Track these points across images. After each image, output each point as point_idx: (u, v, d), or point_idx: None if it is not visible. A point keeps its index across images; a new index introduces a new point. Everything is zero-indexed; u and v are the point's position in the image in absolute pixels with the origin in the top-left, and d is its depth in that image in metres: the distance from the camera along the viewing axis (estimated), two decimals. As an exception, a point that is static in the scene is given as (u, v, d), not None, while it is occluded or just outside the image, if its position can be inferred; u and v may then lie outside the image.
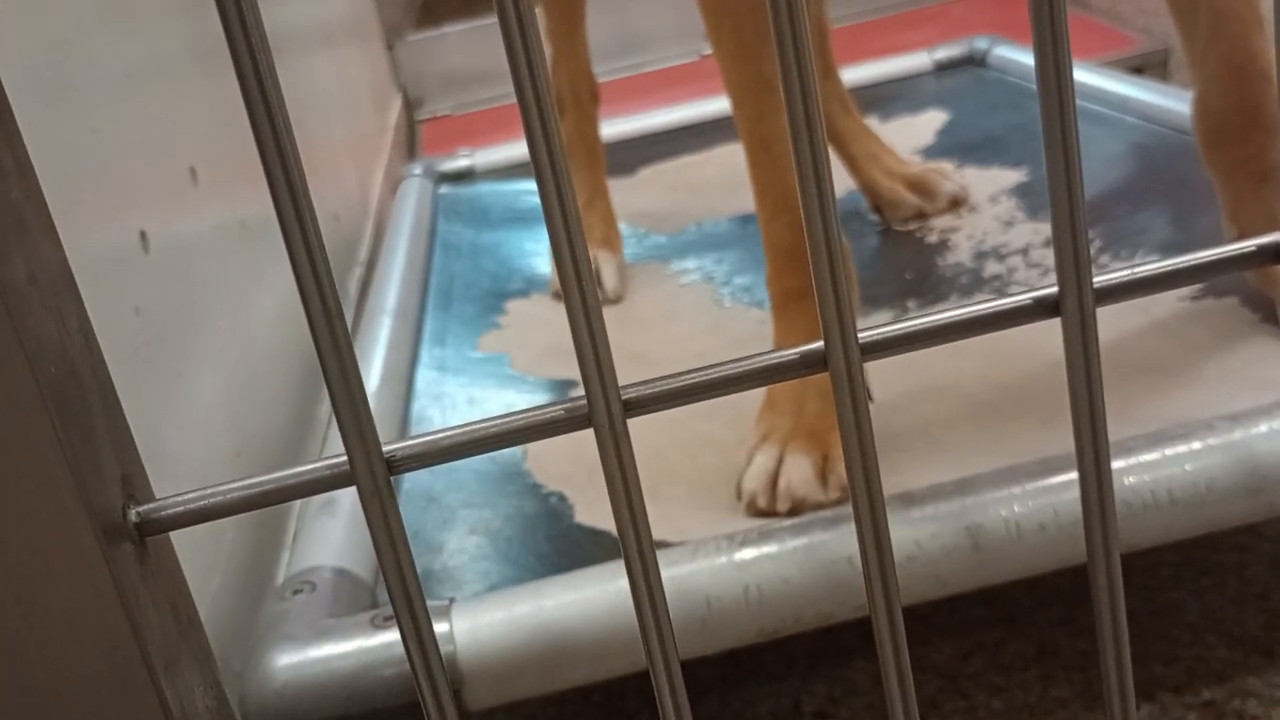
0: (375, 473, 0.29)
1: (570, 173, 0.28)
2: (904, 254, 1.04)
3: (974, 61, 1.52)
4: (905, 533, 0.56)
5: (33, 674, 0.29)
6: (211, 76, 0.80)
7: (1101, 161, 1.09)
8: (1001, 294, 0.30)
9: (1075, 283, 0.29)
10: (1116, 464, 0.56)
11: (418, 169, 1.51)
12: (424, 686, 0.31)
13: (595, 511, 0.71)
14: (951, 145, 1.27)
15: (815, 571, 0.55)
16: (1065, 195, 0.28)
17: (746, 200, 0.78)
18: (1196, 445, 0.57)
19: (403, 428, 0.86)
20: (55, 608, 0.28)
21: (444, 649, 0.54)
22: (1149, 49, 1.63)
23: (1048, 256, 0.95)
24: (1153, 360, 0.75)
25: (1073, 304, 0.30)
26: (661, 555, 0.55)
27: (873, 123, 1.23)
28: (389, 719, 0.54)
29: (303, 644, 0.56)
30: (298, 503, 0.74)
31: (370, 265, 1.26)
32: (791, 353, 0.30)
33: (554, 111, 0.27)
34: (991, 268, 0.97)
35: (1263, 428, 0.57)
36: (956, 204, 1.10)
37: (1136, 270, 0.30)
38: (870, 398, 0.76)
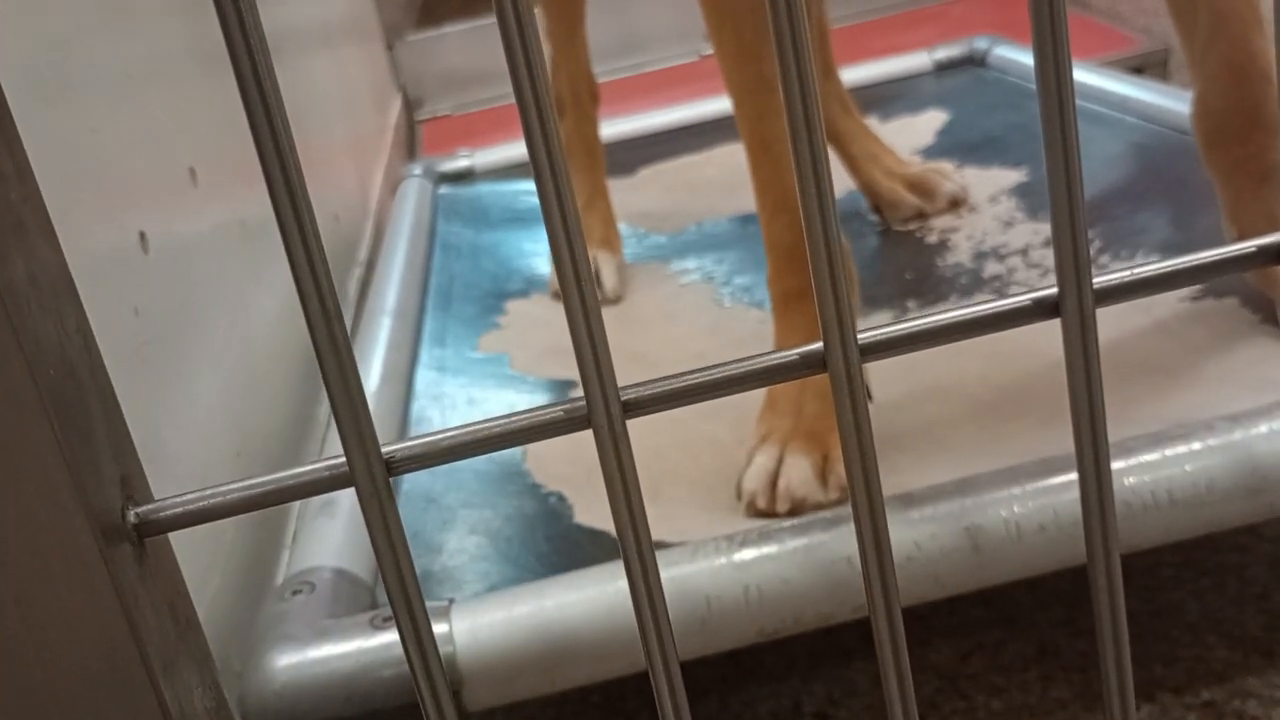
0: (374, 474, 0.29)
1: (570, 173, 0.28)
2: (904, 254, 1.04)
3: (974, 61, 1.52)
4: (905, 533, 0.56)
5: (31, 675, 0.29)
6: (211, 77, 0.80)
7: (1101, 161, 1.09)
8: (1001, 294, 0.30)
9: (1075, 283, 0.29)
10: (1116, 464, 0.56)
11: (417, 169, 1.51)
12: (423, 687, 0.31)
13: (595, 512, 0.71)
14: (951, 145, 1.27)
15: (815, 572, 0.55)
16: (1065, 196, 0.28)
17: (746, 200, 0.78)
18: (1196, 446, 0.57)
19: (402, 428, 0.86)
20: (54, 609, 0.28)
21: (443, 650, 0.54)
22: (1149, 49, 1.63)
23: (1047, 257, 0.95)
24: (1153, 361, 0.75)
25: (1072, 305, 0.30)
26: (661, 556, 0.55)
27: (873, 123, 1.23)
28: (388, 719, 0.54)
29: (302, 644, 0.56)
30: (297, 503, 0.74)
31: (370, 265, 1.26)
32: (791, 353, 0.30)
33: (553, 112, 0.27)
34: (991, 268, 0.97)
35: (1263, 428, 0.57)
36: (956, 204, 1.10)
37: (1136, 271, 0.30)
38: (870, 398, 0.76)
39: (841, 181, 1.12)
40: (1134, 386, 0.72)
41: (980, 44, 1.51)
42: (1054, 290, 0.30)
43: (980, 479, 0.58)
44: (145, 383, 0.58)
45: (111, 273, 0.57)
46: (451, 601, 0.57)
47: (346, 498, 0.69)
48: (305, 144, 1.08)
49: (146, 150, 0.66)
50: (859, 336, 0.30)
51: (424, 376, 0.95)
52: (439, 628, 0.55)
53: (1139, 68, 1.59)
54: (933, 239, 1.06)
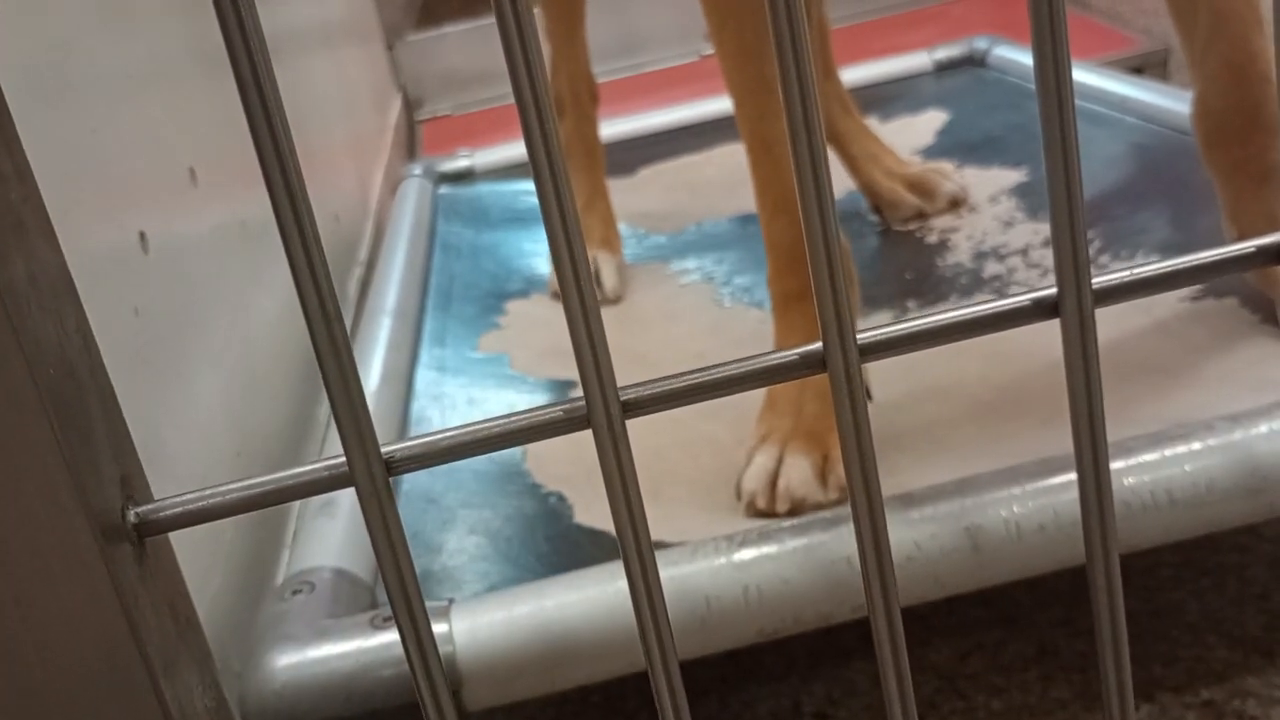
0: (374, 474, 0.29)
1: (569, 173, 0.28)
2: (904, 254, 1.04)
3: (974, 61, 1.52)
4: (904, 533, 0.56)
5: (31, 674, 0.29)
6: (211, 77, 0.80)
7: (1101, 161, 1.09)
8: (1001, 294, 0.30)
9: (1074, 284, 0.29)
10: (1116, 464, 0.56)
11: (417, 169, 1.51)
12: (423, 687, 0.31)
13: (594, 512, 0.71)
14: (951, 145, 1.27)
15: (814, 572, 0.55)
16: (1064, 196, 0.28)
17: (746, 200, 0.78)
18: (1196, 446, 0.57)
19: (402, 428, 0.86)
20: (54, 608, 0.28)
21: (443, 649, 0.54)
22: (1149, 49, 1.63)
23: (1047, 257, 0.95)
24: (1153, 361, 0.75)
25: (1071, 305, 0.30)
26: (661, 556, 0.55)
27: (873, 123, 1.23)
28: (388, 719, 0.54)
29: (302, 644, 0.56)
30: (297, 503, 0.74)
31: (370, 265, 1.26)
32: (790, 353, 0.30)
33: (552, 113, 0.27)
34: (991, 268, 0.97)
35: (1262, 428, 0.57)
36: (956, 204, 1.10)
37: (1136, 271, 0.30)
38: (870, 398, 0.76)
39: (841, 182, 1.12)
40: (1134, 386, 0.72)
41: (980, 44, 1.52)
42: (1053, 290, 0.30)
43: (980, 479, 0.58)
44: (145, 383, 0.58)
45: (111, 273, 0.57)
46: (451, 601, 0.57)
47: (346, 498, 0.69)
48: (305, 144, 1.08)
49: (146, 150, 0.66)
50: (858, 336, 0.30)
51: (424, 376, 0.95)
52: (439, 627, 0.55)
53: (1139, 68, 1.59)
54: (933, 239, 1.06)
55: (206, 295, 0.71)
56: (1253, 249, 0.31)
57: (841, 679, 0.67)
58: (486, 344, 1.01)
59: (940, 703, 0.64)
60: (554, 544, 0.69)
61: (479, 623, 0.55)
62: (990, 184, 1.14)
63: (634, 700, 0.69)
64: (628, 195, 1.29)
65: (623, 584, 0.49)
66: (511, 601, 0.56)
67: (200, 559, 0.60)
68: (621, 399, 0.29)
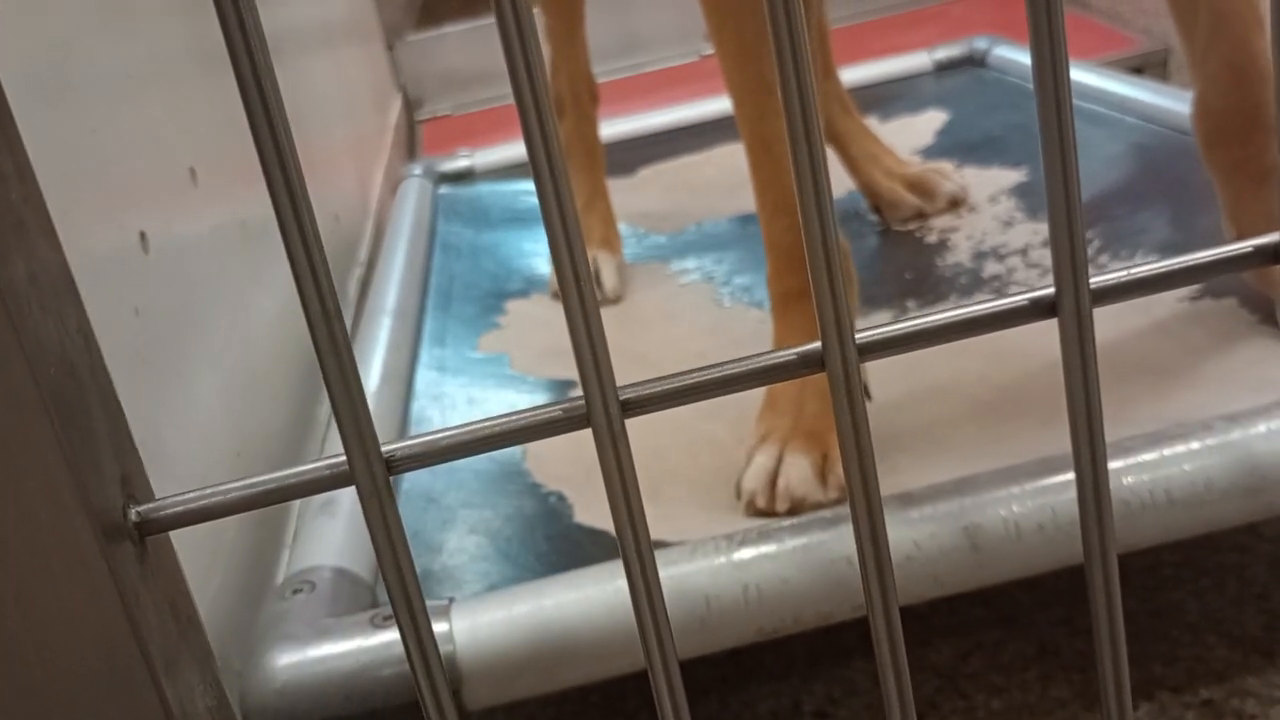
0: (374, 472, 0.29)
1: (569, 173, 0.28)
2: (903, 254, 1.04)
3: (974, 61, 1.52)
4: (903, 533, 0.56)
5: (32, 673, 0.29)
6: (211, 77, 0.80)
7: (1101, 162, 1.09)
8: (1000, 294, 0.30)
9: (1072, 283, 0.29)
10: (1115, 464, 0.56)
11: (417, 169, 1.51)
12: (423, 686, 0.31)
13: (594, 511, 0.72)
14: (951, 145, 1.27)
15: (814, 571, 0.55)
16: (1062, 195, 0.29)
17: (746, 200, 0.78)
18: (1195, 445, 0.57)
19: (402, 428, 0.86)
20: (55, 607, 0.28)
21: (443, 649, 0.54)
22: (1149, 49, 1.63)
23: (1047, 257, 0.95)
24: (1152, 361, 0.75)
25: (1069, 305, 0.30)
26: (660, 555, 0.55)
27: (872, 123, 1.23)
28: (388, 718, 0.54)
29: (302, 643, 0.56)
30: (298, 502, 0.74)
31: (370, 265, 1.26)
32: (789, 353, 0.30)
33: (552, 114, 0.27)
34: (991, 268, 0.97)
35: (1261, 428, 0.57)
36: (956, 204, 1.11)
37: (1133, 271, 0.30)
38: (869, 398, 0.76)
39: (841, 182, 1.12)
40: (1133, 387, 0.72)
41: (980, 44, 1.52)
42: (1051, 290, 0.30)
43: (979, 478, 0.58)
44: (145, 383, 0.58)
45: (112, 273, 0.57)
46: (451, 600, 0.57)
47: (347, 497, 0.69)
48: (305, 144, 1.08)
49: (147, 150, 0.66)
50: (857, 336, 0.30)
51: (424, 376, 0.95)
52: (439, 627, 0.55)
53: (1139, 68, 1.59)
54: (932, 239, 1.06)
55: (207, 295, 0.71)
56: (1250, 249, 0.31)
57: (841, 678, 0.68)
58: (486, 344, 1.02)
59: (940, 702, 0.64)
60: (554, 543, 0.69)
61: (479, 622, 0.55)
62: (990, 184, 1.14)
63: (634, 699, 0.69)
64: (628, 195, 1.29)
65: (622, 583, 0.49)
66: (511, 601, 0.56)
67: (201, 558, 0.60)
68: (621, 398, 0.29)
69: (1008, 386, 0.77)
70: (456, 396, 0.91)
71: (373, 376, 0.90)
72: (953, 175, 1.14)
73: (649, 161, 1.43)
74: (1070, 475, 0.51)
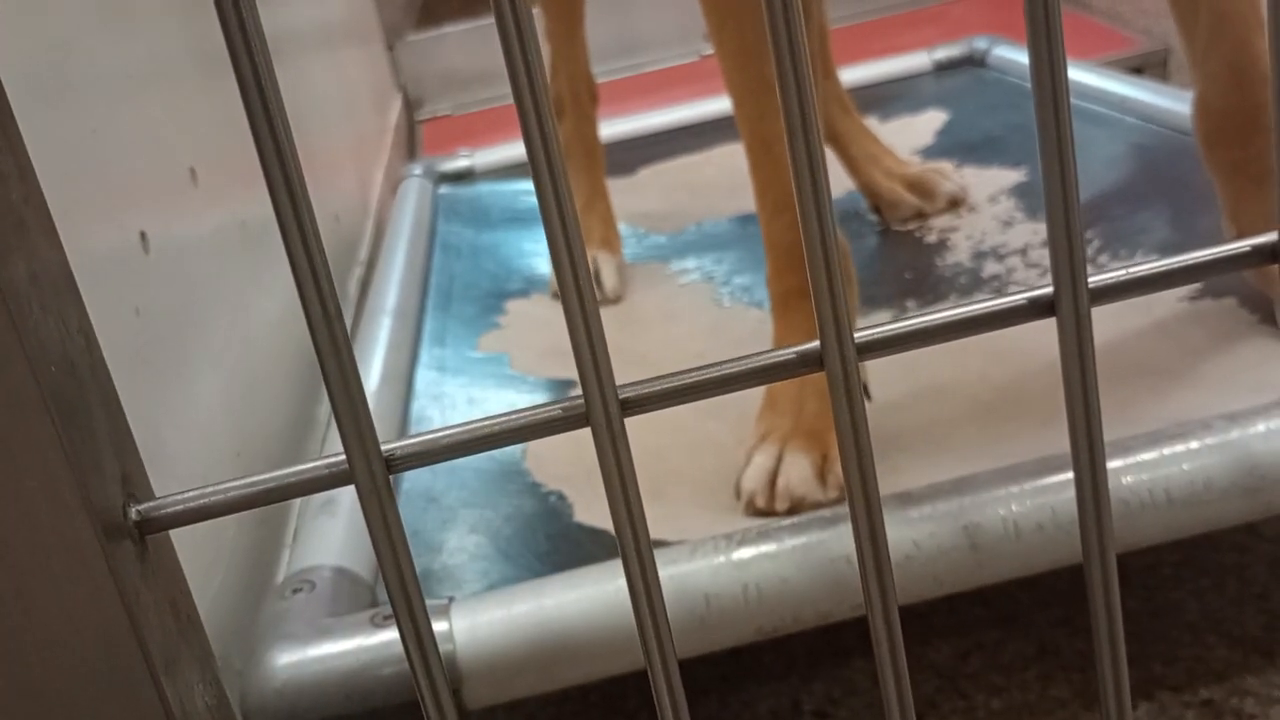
0: (374, 471, 0.29)
1: (569, 174, 0.28)
2: (903, 254, 1.04)
3: (973, 62, 1.52)
4: (903, 532, 0.56)
5: (33, 672, 0.29)
6: (211, 77, 0.80)
7: (1101, 162, 1.09)
8: (1000, 294, 0.30)
9: (1070, 282, 0.30)
10: (1114, 463, 0.56)
11: (418, 169, 1.51)
12: (423, 685, 0.31)
13: (594, 510, 0.72)
14: (951, 145, 1.27)
15: (814, 570, 0.55)
16: (1060, 195, 0.29)
17: (746, 200, 0.78)
18: (1194, 445, 0.57)
19: (402, 427, 0.86)
20: (55, 606, 0.28)
21: (443, 648, 0.54)
22: (1149, 49, 1.63)
23: (1046, 256, 0.95)
24: (1151, 361, 0.75)
25: (1068, 304, 0.30)
26: (660, 554, 0.55)
27: (872, 123, 1.23)
28: (388, 717, 0.54)
29: (302, 642, 0.56)
30: (298, 502, 0.74)
31: (370, 265, 1.26)
32: (788, 352, 0.30)
33: (552, 114, 0.27)
34: (990, 268, 0.97)
35: (1260, 427, 0.57)
36: (955, 204, 1.11)
37: (1132, 270, 0.30)
38: (869, 397, 0.76)
39: (841, 182, 1.12)
40: (1132, 387, 0.72)
41: (980, 44, 1.52)
42: (1049, 289, 0.30)
43: (978, 478, 0.58)
44: (146, 383, 0.58)
45: (112, 273, 0.57)
46: (451, 600, 0.57)
47: (347, 496, 0.69)
48: (305, 144, 1.08)
49: (147, 150, 0.66)
50: (856, 335, 0.30)
51: (424, 376, 0.95)
52: (439, 626, 0.55)
53: (1139, 68, 1.59)
54: (932, 239, 1.06)
55: (207, 295, 0.71)
56: (1248, 248, 0.31)
57: (841, 678, 0.68)
58: (486, 344, 1.02)
59: (940, 701, 0.65)
60: (554, 543, 0.69)
61: (479, 621, 0.55)
62: (990, 184, 1.14)
63: (634, 699, 0.69)
64: (628, 195, 1.29)
65: (622, 583, 0.49)
66: (511, 600, 0.56)
67: (201, 557, 0.60)
68: (620, 397, 0.29)
69: (1007, 386, 0.77)
70: (456, 396, 0.91)
71: (373, 376, 0.90)
72: (952, 175, 1.14)
73: (649, 161, 1.43)
74: (1069, 475, 0.51)
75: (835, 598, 0.55)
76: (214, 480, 0.30)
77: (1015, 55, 1.45)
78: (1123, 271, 0.30)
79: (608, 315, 1.00)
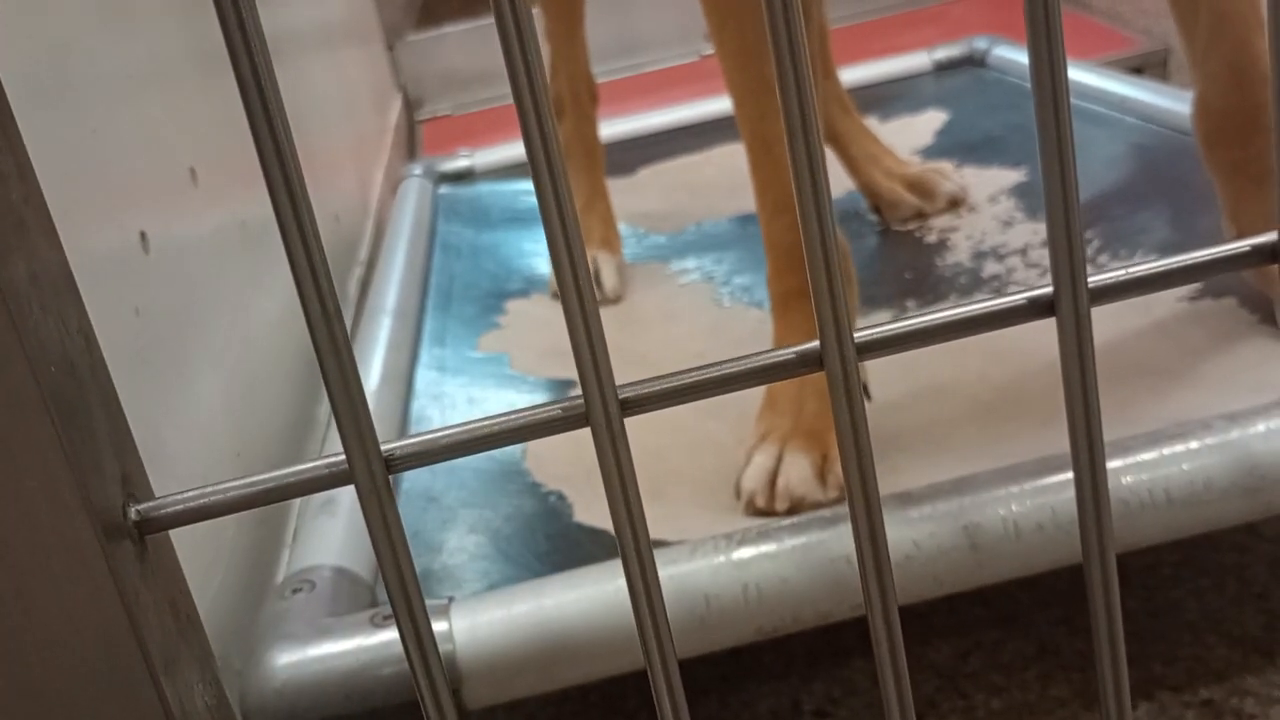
0: (374, 471, 0.29)
1: (569, 174, 0.28)
2: (903, 254, 1.04)
3: (973, 62, 1.52)
4: (903, 532, 0.56)
5: (32, 671, 0.29)
6: (211, 77, 0.80)
7: (1101, 162, 1.09)
8: (1000, 294, 0.30)
9: (1070, 282, 0.30)
10: (1114, 463, 0.56)
11: (418, 169, 1.51)
12: (423, 685, 0.31)
13: (594, 510, 0.72)
14: (951, 145, 1.27)
15: (814, 570, 0.55)
16: (1060, 195, 0.29)
17: (746, 200, 0.78)
18: (1194, 445, 0.57)
19: (402, 427, 0.86)
20: (55, 605, 0.28)
21: (443, 648, 0.54)
22: (1149, 49, 1.63)
23: (1046, 256, 0.95)
24: (1151, 361, 0.75)
25: (1067, 304, 0.30)
26: (660, 554, 0.55)
27: (872, 123, 1.23)
28: (388, 717, 0.54)
29: (302, 642, 0.56)
30: (298, 502, 0.74)
31: (370, 265, 1.26)
32: (788, 352, 0.30)
33: (552, 114, 0.27)
34: (990, 268, 0.97)
35: (1260, 427, 0.57)
36: (955, 204, 1.11)
37: (1131, 270, 0.30)
38: (869, 397, 0.76)
39: (841, 182, 1.12)
40: (1132, 387, 0.72)
41: (980, 44, 1.52)
42: (1049, 289, 0.30)
43: (978, 478, 0.58)
44: (146, 383, 0.58)
45: (112, 273, 0.57)
46: (451, 600, 0.57)
47: (346, 496, 0.69)
48: (305, 144, 1.08)
49: (147, 151, 0.66)
50: (856, 335, 0.30)
51: (424, 376, 0.95)
52: (438, 626, 0.55)
53: (1139, 68, 1.59)
54: (932, 239, 1.06)
55: (207, 295, 0.71)
56: (1248, 248, 0.31)
57: (841, 677, 0.68)
58: (486, 344, 1.02)
59: (940, 701, 0.65)
60: (554, 543, 0.69)
61: (479, 621, 0.55)
62: (990, 184, 1.14)
63: (634, 699, 0.69)
64: (628, 195, 1.29)
65: (622, 582, 0.49)
66: (511, 600, 0.56)
67: (201, 557, 0.60)
68: (620, 397, 0.29)
69: (1007, 386, 0.77)
70: (456, 396, 0.91)
71: (373, 376, 0.90)
72: (952, 175, 1.14)
73: (649, 161, 1.43)
74: (1069, 475, 0.51)
75: (835, 598, 0.55)
76: (214, 480, 0.30)
77: (1015, 55, 1.45)
78: (1123, 271, 0.30)
79: (608, 315, 1.00)
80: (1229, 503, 0.56)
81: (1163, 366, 0.74)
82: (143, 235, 0.61)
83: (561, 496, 0.74)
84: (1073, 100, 0.28)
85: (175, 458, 0.60)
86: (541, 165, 0.27)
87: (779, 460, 0.69)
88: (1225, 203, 0.77)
